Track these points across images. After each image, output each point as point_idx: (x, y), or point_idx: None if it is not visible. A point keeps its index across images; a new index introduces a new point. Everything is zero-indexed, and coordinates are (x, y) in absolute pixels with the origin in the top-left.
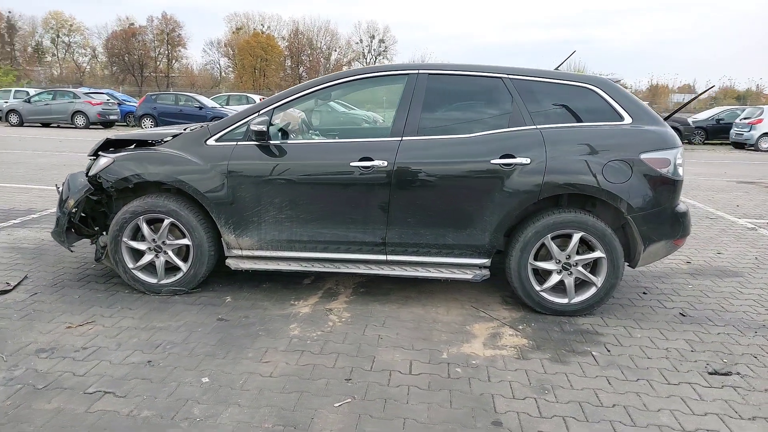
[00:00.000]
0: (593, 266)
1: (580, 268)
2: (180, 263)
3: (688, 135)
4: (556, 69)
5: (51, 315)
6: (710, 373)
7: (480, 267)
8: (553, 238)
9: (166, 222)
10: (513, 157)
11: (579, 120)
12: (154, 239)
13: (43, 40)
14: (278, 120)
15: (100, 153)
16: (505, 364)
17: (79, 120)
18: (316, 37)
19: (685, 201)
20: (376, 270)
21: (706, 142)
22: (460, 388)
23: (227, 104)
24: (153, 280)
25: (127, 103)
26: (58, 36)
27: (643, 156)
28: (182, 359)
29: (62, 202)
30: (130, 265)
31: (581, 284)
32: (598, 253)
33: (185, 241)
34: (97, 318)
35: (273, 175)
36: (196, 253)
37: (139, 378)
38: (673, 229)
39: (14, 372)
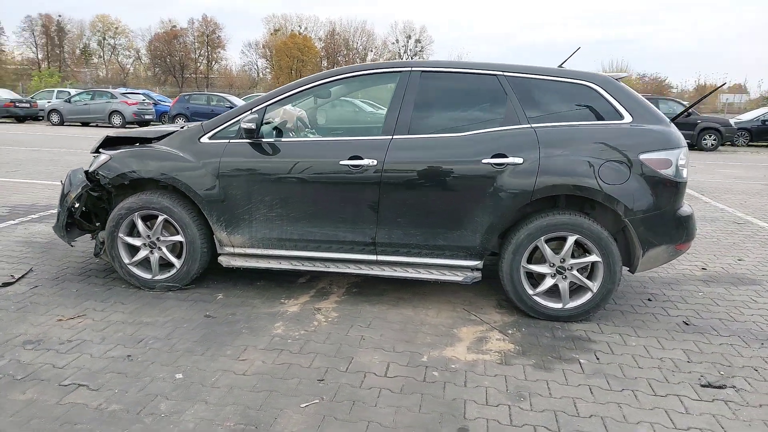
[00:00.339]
0: (590, 271)
1: (574, 272)
2: (173, 259)
3: (730, 137)
4: (560, 66)
5: (46, 308)
6: (703, 386)
7: (471, 269)
8: (547, 241)
9: (160, 218)
10: (505, 156)
11: (576, 118)
12: (148, 235)
13: (90, 43)
14: (276, 118)
15: (100, 150)
16: (485, 369)
17: (116, 119)
18: (353, 38)
19: (712, 204)
20: (365, 270)
21: (750, 143)
22: (433, 392)
23: None
24: (148, 276)
25: (162, 103)
26: (104, 38)
27: (642, 156)
28: (161, 355)
29: (63, 197)
30: (126, 261)
31: (577, 289)
32: (593, 257)
33: (178, 238)
34: (88, 312)
35: (263, 172)
36: (188, 250)
37: (115, 372)
38: (674, 234)
39: None
